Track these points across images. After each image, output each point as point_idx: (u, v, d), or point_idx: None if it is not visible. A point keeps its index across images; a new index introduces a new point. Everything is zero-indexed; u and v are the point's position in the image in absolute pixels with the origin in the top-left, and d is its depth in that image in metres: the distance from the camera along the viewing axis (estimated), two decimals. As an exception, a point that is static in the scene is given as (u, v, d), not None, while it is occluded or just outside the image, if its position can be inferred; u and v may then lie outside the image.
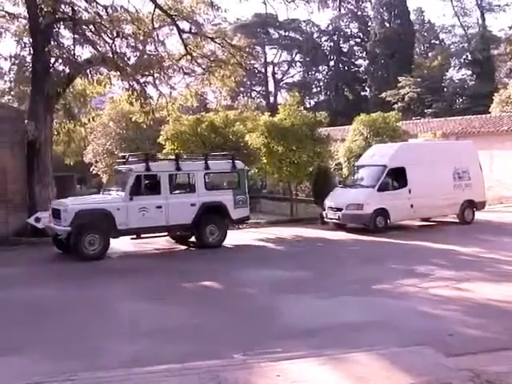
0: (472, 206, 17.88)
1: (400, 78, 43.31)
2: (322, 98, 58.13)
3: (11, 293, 9.18)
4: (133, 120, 21.33)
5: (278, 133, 20.83)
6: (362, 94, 55.60)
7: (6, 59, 16.66)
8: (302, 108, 22.86)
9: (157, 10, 17.62)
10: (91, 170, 29.87)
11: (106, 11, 16.62)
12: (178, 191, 14.22)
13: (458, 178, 17.67)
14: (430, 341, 5.97)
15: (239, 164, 15.08)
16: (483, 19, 50.81)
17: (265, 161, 21.14)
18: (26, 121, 16.34)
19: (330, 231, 16.53)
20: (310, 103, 53.98)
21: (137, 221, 12.97)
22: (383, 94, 43.60)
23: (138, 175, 13.38)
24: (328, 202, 17.26)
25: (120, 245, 13.62)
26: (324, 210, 17.30)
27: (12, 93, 17.52)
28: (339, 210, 16.54)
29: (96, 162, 29.31)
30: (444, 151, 18.12)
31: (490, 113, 31.89)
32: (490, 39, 48.10)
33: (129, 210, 12.88)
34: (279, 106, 25.33)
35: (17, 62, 16.67)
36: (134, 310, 8.01)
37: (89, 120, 19.89)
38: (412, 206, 16.44)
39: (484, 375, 4.90)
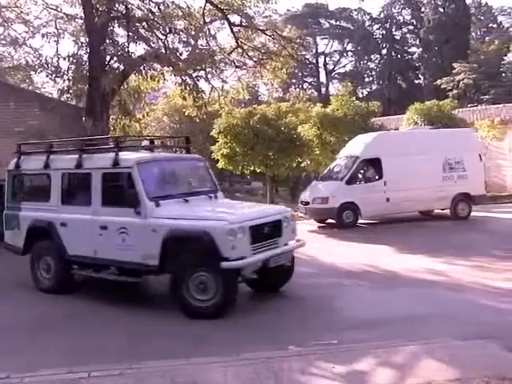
0: (468, 199, 16.38)
1: (455, 65, 42.04)
2: (374, 87, 57.15)
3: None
4: (186, 114, 21.62)
5: (331, 124, 20.72)
6: (416, 82, 54.30)
7: (64, 59, 17.14)
8: (354, 98, 22.65)
9: (208, 4, 17.75)
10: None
11: (159, 8, 16.86)
12: None
13: (448, 168, 16.22)
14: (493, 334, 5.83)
15: None
16: (544, 0, 48.66)
17: (317, 152, 21.05)
18: (83, 118, 16.83)
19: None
20: (362, 93, 53.17)
21: None
22: (438, 82, 42.44)
23: None
24: (301, 196, 16.59)
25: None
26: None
27: (70, 91, 17.98)
28: (307, 204, 15.90)
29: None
30: (433, 140, 16.40)
31: (551, 97, 30.61)
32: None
33: None
34: (331, 97, 25.18)
35: (74, 61, 17.11)
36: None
37: (143, 115, 20.26)
38: (388, 199, 15.24)
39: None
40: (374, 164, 15.82)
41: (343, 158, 16.85)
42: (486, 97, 40.27)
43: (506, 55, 47.02)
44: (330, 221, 15.97)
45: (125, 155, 8.51)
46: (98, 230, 8.23)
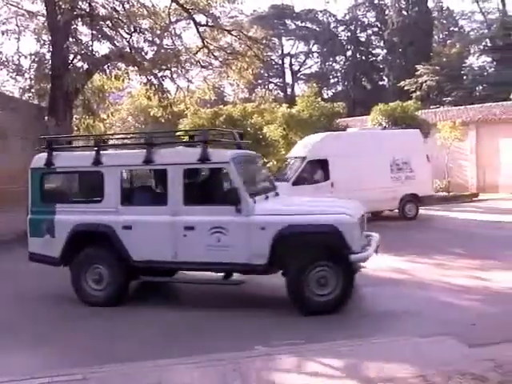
0: (415, 200, 16.73)
1: (418, 67, 42.81)
2: (339, 88, 57.72)
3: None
4: (151, 114, 21.46)
5: (296, 124, 20.85)
6: (380, 83, 55.07)
7: (26, 57, 16.82)
8: (319, 99, 22.85)
9: (173, 3, 17.70)
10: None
11: (123, 6, 16.71)
12: None
13: (396, 169, 16.41)
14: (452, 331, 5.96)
15: None
16: (503, 4, 49.78)
17: (283, 152, 21.16)
18: (46, 117, 16.54)
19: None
20: (327, 94, 53.62)
21: None
22: (401, 83, 43.13)
23: None
24: None
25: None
26: None
27: (32, 90, 17.67)
28: None
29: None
30: (381, 141, 16.51)
31: (510, 99, 31.43)
32: (511, 25, 47.23)
33: None
34: (297, 98, 25.31)
35: (36, 59, 16.82)
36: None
37: (108, 115, 20.06)
38: None
39: (507, 365, 4.88)
40: (322, 165, 15.71)
41: (292, 159, 16.83)
42: (449, 99, 41.15)
43: (467, 58, 48.14)
44: None
45: (210, 151, 7.69)
46: (182, 231, 7.46)
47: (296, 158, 16.46)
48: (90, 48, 16.64)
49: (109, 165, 7.95)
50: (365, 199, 14.89)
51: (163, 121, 20.81)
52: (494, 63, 47.71)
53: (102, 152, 8.08)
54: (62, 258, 8.01)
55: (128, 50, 16.66)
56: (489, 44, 48.91)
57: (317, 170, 15.87)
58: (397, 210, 16.75)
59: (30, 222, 8.24)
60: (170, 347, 6.11)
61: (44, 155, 8.30)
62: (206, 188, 7.94)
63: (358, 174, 15.27)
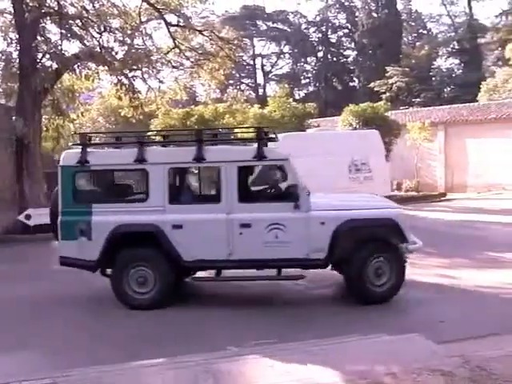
0: None
1: (388, 68, 43.37)
2: (311, 89, 58.10)
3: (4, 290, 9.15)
4: (122, 115, 21.25)
5: (268, 125, 20.84)
6: (351, 84, 55.59)
7: (-8, 55, 16.53)
8: (291, 100, 22.95)
9: (144, 3, 17.57)
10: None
11: (93, 5, 16.54)
12: None
13: (355, 170, 16.45)
14: (421, 328, 6.06)
15: None
16: (470, 8, 50.87)
17: (255, 153, 21.19)
18: (13, 117, 16.25)
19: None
20: (299, 95, 53.93)
21: None
22: (372, 84, 43.64)
23: None
24: None
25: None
26: None
27: (-1, 89, 17.41)
28: None
29: (86, 157, 29.24)
30: (339, 141, 16.58)
31: (477, 101, 32.09)
32: (477, 28, 48.23)
33: None
34: (269, 98, 25.38)
35: (3, 58, 16.53)
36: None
37: (78, 115, 19.78)
38: None
39: (474, 361, 4.98)
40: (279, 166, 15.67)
41: None
42: (418, 99, 41.80)
43: (435, 60, 48.96)
44: None
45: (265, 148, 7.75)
46: (238, 229, 7.39)
47: None
48: (59, 47, 16.43)
49: (155, 162, 7.60)
50: None
51: (134, 121, 20.64)
52: (462, 65, 48.67)
53: (145, 149, 7.70)
54: (100, 262, 7.62)
55: (98, 49, 16.50)
56: (456, 46, 49.88)
57: (275, 171, 15.88)
58: None
59: (62, 224, 7.69)
60: (141, 349, 6.07)
61: (75, 152, 7.84)
62: (261, 185, 8.08)
63: (316, 175, 15.01)
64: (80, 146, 7.83)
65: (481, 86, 34.32)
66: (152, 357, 5.53)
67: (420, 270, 9.56)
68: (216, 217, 7.43)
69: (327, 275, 8.56)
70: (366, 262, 7.38)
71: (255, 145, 7.77)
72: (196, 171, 8.42)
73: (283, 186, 7.84)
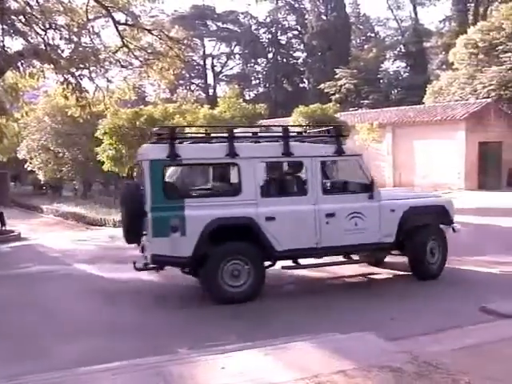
0: None
1: (337, 70, 44.09)
2: (261, 90, 58.45)
3: None
4: (69, 114, 20.72)
5: (218, 125, 20.80)
6: (301, 85, 56.25)
7: None
8: (241, 100, 22.95)
9: (91, 0, 17.17)
10: (26, 166, 29.03)
11: (37, 1, 16.05)
12: None
13: None
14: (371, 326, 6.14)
15: None
16: (415, 13, 52.38)
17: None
18: (-47, 116, 15.65)
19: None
20: (249, 95, 54.17)
21: None
22: (321, 86, 44.25)
23: None
24: None
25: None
26: None
27: None
28: None
29: (31, 158, 28.55)
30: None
31: (423, 103, 32.97)
32: (423, 32, 49.65)
33: None
34: (219, 99, 25.32)
35: None
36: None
37: (22, 115, 19.17)
38: None
39: (421, 356, 5.09)
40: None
41: None
42: (366, 101, 42.67)
43: (382, 63, 50.07)
44: None
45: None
46: (324, 219, 7.96)
47: None
48: (2, 44, 15.86)
49: (247, 156, 7.74)
50: None
51: (81, 121, 20.17)
52: (408, 68, 49.98)
53: (235, 144, 7.75)
54: (194, 257, 7.46)
55: (43, 47, 16.00)
56: (403, 50, 51.20)
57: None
58: None
59: (153, 220, 7.38)
60: (92, 351, 5.92)
61: (162, 146, 7.61)
62: (340, 177, 9.02)
63: None
64: (167, 140, 7.63)
65: (426, 88, 35.25)
66: (102, 361, 5.41)
67: (373, 268, 9.73)
68: (305, 208, 7.95)
69: (285, 273, 8.63)
70: (425, 244, 8.56)
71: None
72: (283, 166, 8.70)
73: (358, 178, 8.61)
